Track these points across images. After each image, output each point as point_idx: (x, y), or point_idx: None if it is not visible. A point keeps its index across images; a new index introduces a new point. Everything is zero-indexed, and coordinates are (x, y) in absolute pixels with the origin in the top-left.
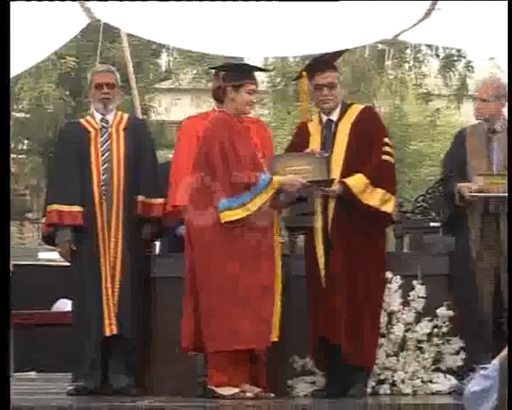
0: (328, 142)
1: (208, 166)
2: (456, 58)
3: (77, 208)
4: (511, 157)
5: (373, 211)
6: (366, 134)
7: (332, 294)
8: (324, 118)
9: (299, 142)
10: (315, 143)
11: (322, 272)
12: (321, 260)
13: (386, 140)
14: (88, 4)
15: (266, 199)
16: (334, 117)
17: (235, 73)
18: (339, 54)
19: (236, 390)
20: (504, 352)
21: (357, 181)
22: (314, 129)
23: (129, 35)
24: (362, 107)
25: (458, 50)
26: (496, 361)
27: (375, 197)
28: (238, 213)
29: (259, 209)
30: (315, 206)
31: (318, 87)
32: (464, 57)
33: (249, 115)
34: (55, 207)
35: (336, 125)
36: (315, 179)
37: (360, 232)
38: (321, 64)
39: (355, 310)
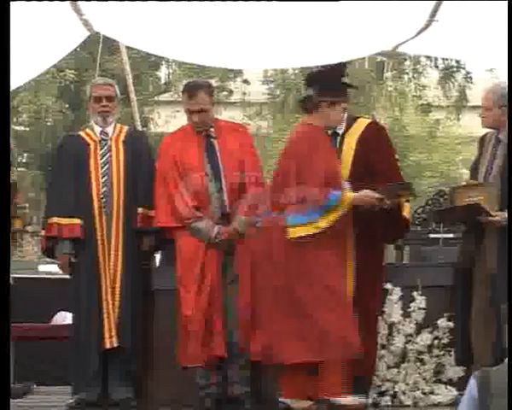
0: None
1: (284, 180)
2: (455, 69)
3: (76, 221)
4: (511, 159)
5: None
6: (373, 150)
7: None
8: (330, 130)
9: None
10: None
11: None
12: None
13: (397, 156)
14: (86, 17)
15: (337, 217)
16: (340, 129)
17: (334, 88)
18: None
19: (309, 403)
20: (480, 371)
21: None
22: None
23: (128, 48)
24: (368, 121)
25: (457, 61)
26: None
27: (407, 212)
28: (307, 230)
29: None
30: None
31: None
32: (463, 68)
33: (234, 122)
34: (54, 220)
35: (342, 138)
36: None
37: (366, 244)
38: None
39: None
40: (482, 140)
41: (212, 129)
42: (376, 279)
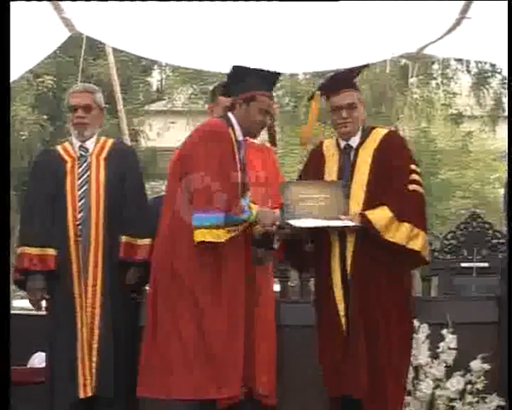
0: (346, 171)
1: None
2: (490, 74)
3: (49, 252)
4: (511, 159)
5: (399, 249)
6: (390, 162)
7: (353, 343)
8: (342, 143)
9: (312, 169)
10: (331, 172)
11: (343, 320)
12: (340, 306)
13: (414, 167)
14: (67, 15)
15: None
16: (354, 142)
17: None
18: (359, 70)
19: None
20: None
21: (379, 215)
22: (330, 155)
23: (115, 50)
24: (385, 131)
25: (492, 65)
26: None
27: (401, 233)
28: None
29: None
30: (332, 244)
31: (336, 109)
32: (499, 73)
33: (254, 141)
34: (25, 250)
35: (356, 152)
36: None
37: (384, 274)
38: (338, 82)
39: (379, 362)
40: None
41: None
42: (403, 315)
